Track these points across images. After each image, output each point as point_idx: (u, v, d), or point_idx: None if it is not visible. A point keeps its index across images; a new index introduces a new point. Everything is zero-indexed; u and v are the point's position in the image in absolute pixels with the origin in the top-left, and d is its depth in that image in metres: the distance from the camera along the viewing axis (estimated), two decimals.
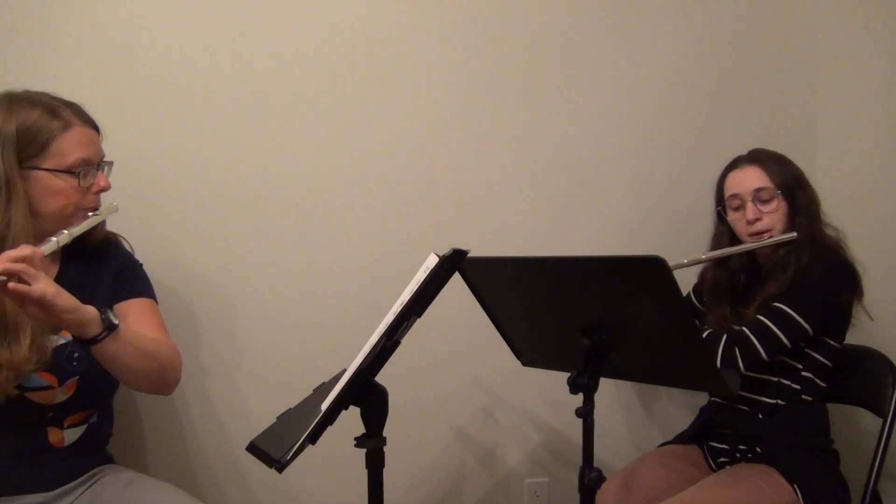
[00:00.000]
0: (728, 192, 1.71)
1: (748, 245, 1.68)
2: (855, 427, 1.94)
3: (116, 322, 1.19)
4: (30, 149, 1.25)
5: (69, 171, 1.28)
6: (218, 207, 1.78)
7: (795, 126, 2.17)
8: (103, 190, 1.34)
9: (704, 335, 1.61)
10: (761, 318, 1.55)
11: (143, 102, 1.72)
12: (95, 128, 1.35)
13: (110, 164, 1.37)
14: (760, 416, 1.61)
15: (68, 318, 1.12)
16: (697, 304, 1.85)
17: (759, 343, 1.53)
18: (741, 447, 1.64)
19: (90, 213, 1.31)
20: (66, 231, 1.23)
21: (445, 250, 1.11)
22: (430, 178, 1.92)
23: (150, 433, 1.76)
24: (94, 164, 1.32)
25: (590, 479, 1.20)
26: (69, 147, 1.27)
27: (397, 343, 1.13)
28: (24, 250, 1.09)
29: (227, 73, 1.77)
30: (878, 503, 1.57)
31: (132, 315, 1.36)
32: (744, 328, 1.56)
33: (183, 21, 1.74)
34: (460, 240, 1.23)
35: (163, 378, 1.34)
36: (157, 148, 1.74)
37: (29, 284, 1.07)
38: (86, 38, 1.68)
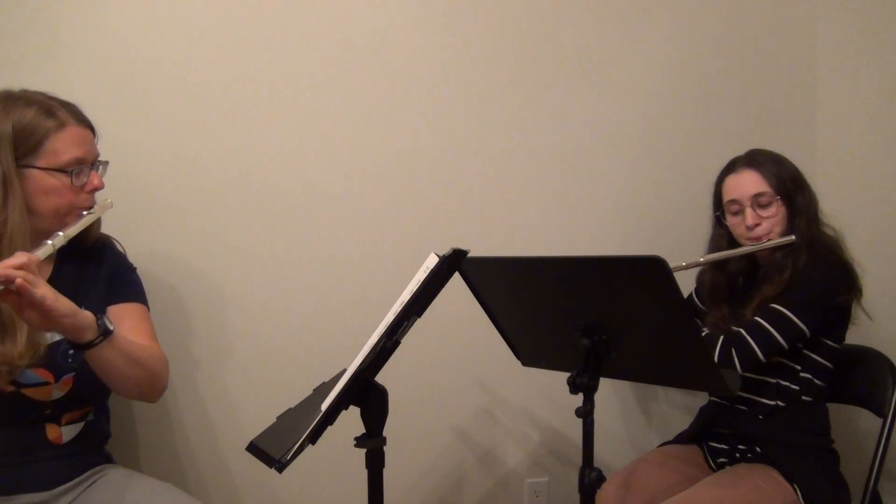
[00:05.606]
0: (726, 196, 1.70)
1: (746, 248, 1.67)
2: (855, 427, 1.94)
3: (111, 328, 1.21)
4: (25, 147, 1.26)
5: (62, 170, 1.28)
6: (216, 205, 1.78)
7: (795, 126, 2.17)
8: (97, 189, 1.35)
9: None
10: (758, 319, 1.56)
11: (139, 98, 1.72)
12: (90, 128, 1.36)
13: (105, 163, 1.39)
14: (760, 417, 1.61)
15: (66, 322, 1.13)
16: (700, 304, 1.84)
17: (756, 344, 1.53)
18: (741, 447, 1.64)
19: (84, 213, 1.32)
20: (60, 233, 1.24)
21: (445, 250, 1.11)
22: (431, 177, 1.92)
23: (145, 433, 1.76)
24: (88, 163, 1.33)
25: (590, 479, 1.20)
26: (63, 146, 1.28)
27: (397, 343, 1.13)
28: (20, 258, 1.09)
29: (225, 70, 1.77)
30: (878, 503, 1.58)
31: (124, 320, 1.37)
32: (740, 329, 1.56)
33: (180, 17, 1.74)
34: (460, 240, 1.23)
35: (150, 385, 1.36)
36: (154, 144, 1.73)
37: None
38: (85, 36, 1.68)
